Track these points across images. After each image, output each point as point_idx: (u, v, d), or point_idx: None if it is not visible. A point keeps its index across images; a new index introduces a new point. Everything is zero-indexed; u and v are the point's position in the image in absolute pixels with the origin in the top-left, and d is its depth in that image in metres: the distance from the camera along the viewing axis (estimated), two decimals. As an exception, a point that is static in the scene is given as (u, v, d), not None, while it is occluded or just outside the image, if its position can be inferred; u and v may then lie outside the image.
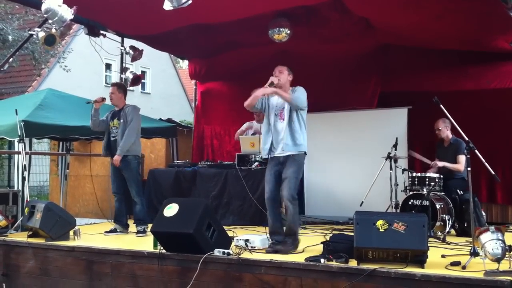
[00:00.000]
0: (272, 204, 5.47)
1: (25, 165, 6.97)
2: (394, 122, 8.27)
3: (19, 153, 7.22)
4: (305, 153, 5.47)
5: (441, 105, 5.24)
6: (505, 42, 6.61)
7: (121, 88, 7.15)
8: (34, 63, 15.80)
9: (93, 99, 6.96)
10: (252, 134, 8.54)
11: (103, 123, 6.99)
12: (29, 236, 5.99)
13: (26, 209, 6.24)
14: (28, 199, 6.81)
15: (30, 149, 8.07)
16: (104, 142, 7.04)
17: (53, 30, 6.66)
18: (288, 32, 7.52)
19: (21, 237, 6.08)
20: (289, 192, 5.26)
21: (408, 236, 4.38)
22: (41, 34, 6.86)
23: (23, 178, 7.07)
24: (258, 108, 5.60)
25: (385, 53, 8.52)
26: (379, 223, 4.45)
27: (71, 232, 6.05)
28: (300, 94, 5.46)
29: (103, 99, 6.95)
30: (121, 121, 6.81)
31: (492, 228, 4.26)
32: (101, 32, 8.21)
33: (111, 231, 6.81)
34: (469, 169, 4.90)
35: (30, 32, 7.22)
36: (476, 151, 4.95)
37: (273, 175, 5.44)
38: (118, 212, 6.99)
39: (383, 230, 4.43)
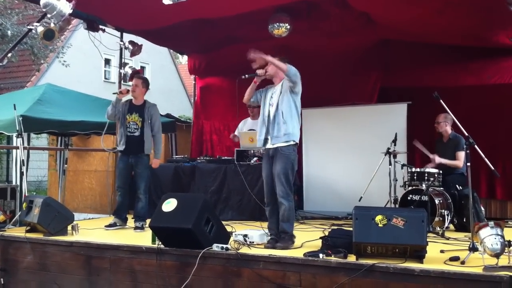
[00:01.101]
0: (272, 205, 5.34)
1: (23, 160, 6.95)
2: (394, 117, 8.26)
3: (17, 148, 7.20)
4: (295, 143, 5.25)
5: (441, 101, 5.21)
6: (506, 37, 6.59)
7: (145, 82, 7.02)
8: (33, 58, 15.75)
9: (118, 90, 6.85)
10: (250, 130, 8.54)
11: (119, 113, 6.82)
12: (27, 231, 5.98)
13: (24, 204, 6.22)
14: (26, 194, 6.79)
15: (29, 144, 8.06)
16: (121, 137, 6.83)
17: (52, 25, 6.62)
18: (288, 27, 7.50)
19: (19, 232, 6.06)
20: (281, 189, 5.16)
21: (407, 231, 4.36)
22: (40, 29, 6.81)
23: (21, 173, 7.05)
24: (255, 102, 5.52)
25: (385, 48, 8.49)
26: (378, 218, 4.44)
27: (69, 227, 6.03)
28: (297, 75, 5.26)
29: (128, 91, 6.82)
30: (145, 119, 6.76)
31: (491, 223, 4.24)
32: (100, 27, 8.17)
33: (110, 225, 6.78)
34: (468, 164, 4.88)
35: (28, 27, 7.19)
36: (476, 146, 4.94)
37: (268, 169, 5.31)
38: (120, 206, 6.94)
39: (382, 225, 4.42)
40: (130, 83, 7.19)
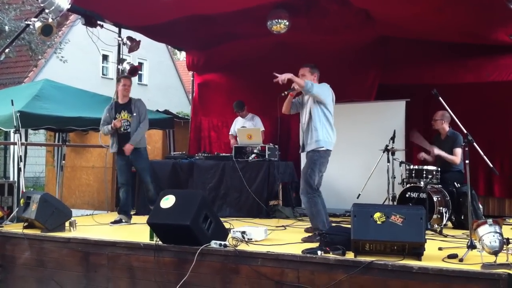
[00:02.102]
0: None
1: (20, 156, 6.93)
2: (392, 114, 8.24)
3: (15, 144, 7.19)
4: (325, 149, 5.73)
5: (440, 98, 5.21)
6: (504, 35, 6.59)
7: (131, 80, 7.28)
8: (30, 53, 15.71)
9: (112, 124, 6.97)
10: (241, 127, 8.57)
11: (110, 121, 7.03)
12: (25, 227, 5.96)
13: (22, 200, 6.20)
14: (24, 190, 6.78)
15: (26, 140, 8.04)
16: (112, 139, 7.04)
17: (50, 20, 6.60)
18: (287, 23, 7.48)
19: (16, 228, 6.05)
20: (303, 185, 5.73)
21: (406, 229, 4.35)
22: (38, 24, 6.79)
23: (19, 169, 7.03)
24: (295, 111, 6.03)
25: (384, 45, 8.48)
26: (377, 215, 4.43)
27: (67, 224, 6.01)
28: (318, 86, 5.71)
29: (120, 122, 6.96)
30: (134, 114, 6.97)
31: (490, 221, 4.23)
32: (98, 22, 8.14)
33: (115, 222, 6.85)
34: (467, 161, 4.87)
35: (26, 22, 7.15)
36: (475, 144, 4.93)
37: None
38: (125, 203, 7.04)
39: (380, 223, 4.41)
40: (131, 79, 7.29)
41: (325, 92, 5.76)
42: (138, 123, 6.99)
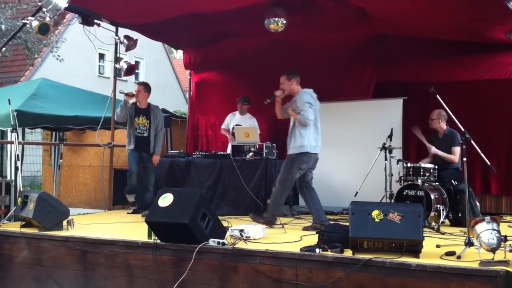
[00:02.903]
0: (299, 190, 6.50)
1: (18, 155, 6.91)
2: (389, 112, 8.26)
3: (12, 142, 7.16)
4: (307, 153, 6.18)
5: (437, 96, 5.22)
6: (501, 33, 6.58)
7: (147, 88, 7.67)
8: (27, 52, 15.66)
9: (125, 92, 7.43)
10: (236, 125, 8.55)
11: (127, 115, 7.45)
12: (22, 226, 5.94)
13: (19, 199, 6.18)
14: (21, 189, 6.77)
15: (23, 139, 8.02)
16: (130, 137, 7.47)
17: (47, 19, 6.58)
18: (284, 21, 7.47)
19: (14, 227, 6.03)
20: (280, 176, 6.27)
21: (404, 226, 4.36)
22: (35, 23, 6.76)
23: (16, 168, 7.02)
24: (287, 115, 6.46)
25: (381, 42, 8.48)
26: (375, 213, 4.43)
27: (64, 222, 5.98)
28: (300, 109, 6.10)
29: (134, 94, 7.43)
30: (151, 121, 7.50)
31: (487, 218, 4.25)
32: (95, 21, 8.12)
33: (132, 204, 7.59)
34: (465, 159, 4.88)
35: (23, 21, 7.13)
36: (472, 141, 4.94)
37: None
38: (135, 187, 7.56)
39: (378, 220, 4.42)
40: (125, 78, 7.41)
41: (308, 109, 6.12)
42: (155, 130, 7.53)
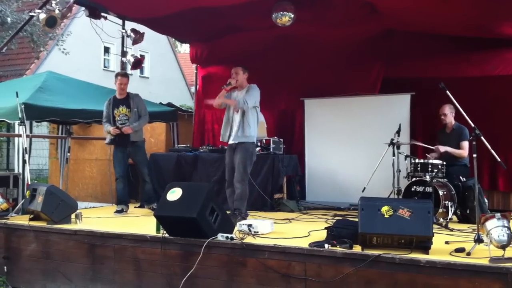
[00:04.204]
0: (230, 184, 6.43)
1: (26, 148, 6.92)
2: (397, 108, 8.24)
3: (20, 136, 7.16)
4: (253, 143, 6.43)
5: (447, 91, 5.19)
6: (510, 28, 6.55)
7: (128, 77, 7.50)
8: (32, 45, 15.65)
9: (111, 133, 7.23)
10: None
11: (108, 116, 7.31)
12: (31, 219, 5.96)
13: (28, 192, 6.19)
14: (29, 182, 6.78)
15: (31, 132, 8.02)
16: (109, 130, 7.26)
17: (57, 11, 6.58)
18: (292, 16, 7.44)
19: (22, 220, 6.05)
20: (238, 175, 6.28)
21: (413, 222, 4.35)
22: (42, 16, 6.77)
23: (24, 161, 7.03)
24: (224, 105, 6.60)
25: (389, 38, 8.43)
26: (384, 209, 4.42)
27: (73, 216, 6.01)
28: (248, 96, 6.34)
29: (117, 129, 7.20)
30: (134, 110, 7.26)
31: (498, 215, 4.24)
32: (102, 14, 8.11)
33: (119, 212, 7.10)
34: (474, 155, 4.86)
35: (31, 14, 7.14)
36: (482, 137, 4.92)
37: (229, 161, 6.48)
38: (123, 193, 7.30)
39: (388, 216, 4.41)
40: (130, 72, 7.39)
41: (256, 98, 6.46)
42: (137, 118, 7.27)
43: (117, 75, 7.47)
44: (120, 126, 7.16)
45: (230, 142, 6.48)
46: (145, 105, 7.46)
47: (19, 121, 6.91)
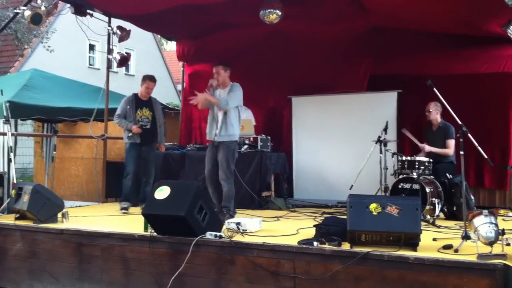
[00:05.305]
0: (211, 180, 6.48)
1: (11, 147, 6.84)
2: (384, 105, 8.28)
3: (4, 134, 7.08)
4: (235, 141, 6.49)
5: (434, 89, 5.21)
6: (497, 26, 6.57)
7: (155, 82, 7.61)
8: (17, 43, 15.46)
9: (132, 131, 7.27)
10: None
11: (128, 113, 7.35)
12: (17, 219, 5.88)
13: (13, 191, 6.13)
14: (15, 181, 6.70)
15: (16, 130, 7.94)
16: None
17: (43, 8, 6.51)
18: (279, 13, 7.41)
19: (8, 219, 5.97)
20: (223, 173, 6.33)
21: (402, 220, 4.37)
22: (27, 13, 6.70)
23: (9, 160, 6.95)
24: (209, 105, 6.57)
25: (376, 35, 8.42)
26: (373, 206, 4.44)
27: (59, 215, 5.96)
28: (231, 97, 6.36)
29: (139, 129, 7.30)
30: (154, 112, 7.49)
31: (485, 211, 4.26)
32: (88, 11, 8.03)
33: (124, 209, 7.13)
34: (462, 153, 4.89)
35: (16, 11, 7.05)
36: (469, 135, 4.96)
37: (211, 157, 6.49)
38: (130, 191, 7.34)
39: (376, 213, 4.42)
40: (116, 70, 7.30)
41: (240, 98, 6.49)
42: (159, 121, 7.53)
43: (145, 78, 7.61)
44: (139, 126, 7.28)
45: (213, 139, 6.50)
46: (162, 111, 7.70)
47: (4, 119, 6.83)
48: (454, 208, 6.52)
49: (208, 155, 6.55)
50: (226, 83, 6.53)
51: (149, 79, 7.53)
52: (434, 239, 4.91)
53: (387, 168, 7.16)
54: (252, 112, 8.69)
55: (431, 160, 6.79)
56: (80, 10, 7.89)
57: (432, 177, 6.70)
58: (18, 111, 7.34)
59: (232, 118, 6.43)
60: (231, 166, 6.39)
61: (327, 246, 4.51)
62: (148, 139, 7.41)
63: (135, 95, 7.50)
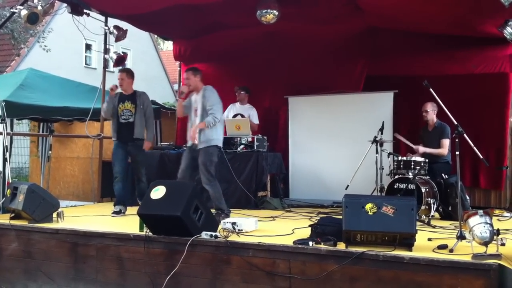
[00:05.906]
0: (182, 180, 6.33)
1: (6, 146, 6.83)
2: (380, 106, 8.29)
3: (0, 133, 7.07)
4: (217, 146, 6.37)
5: (430, 89, 5.23)
6: (493, 27, 6.59)
7: (129, 73, 7.28)
8: (13, 42, 15.42)
9: (108, 88, 7.08)
10: (233, 116, 8.50)
11: (113, 109, 7.10)
12: (12, 218, 5.88)
13: (8, 191, 6.12)
14: (10, 181, 6.69)
15: (11, 129, 7.92)
16: (114, 125, 7.16)
17: (39, 8, 6.51)
18: (276, 13, 7.41)
19: (3, 219, 5.96)
20: (204, 177, 6.24)
21: (397, 220, 4.38)
22: (24, 12, 6.69)
23: (5, 159, 6.93)
24: (187, 112, 6.57)
25: (372, 36, 8.43)
26: (368, 206, 4.45)
27: (54, 214, 5.95)
28: (212, 109, 6.23)
29: (117, 86, 7.10)
30: (139, 106, 7.09)
31: (480, 212, 4.27)
32: (85, 11, 8.03)
33: (117, 213, 6.85)
34: (457, 153, 4.91)
35: (12, 10, 7.04)
36: (465, 135, 4.97)
37: (186, 156, 6.44)
38: (122, 193, 7.09)
39: (372, 213, 4.43)
40: (112, 69, 7.27)
41: (218, 101, 6.40)
42: (143, 116, 7.11)
43: (119, 70, 7.41)
44: (124, 121, 7.08)
45: (190, 144, 6.44)
46: (151, 105, 7.34)
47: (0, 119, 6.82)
48: (449, 208, 6.54)
49: (185, 154, 6.53)
50: (198, 88, 6.45)
51: (119, 71, 7.33)
52: (429, 239, 4.92)
53: (383, 168, 7.17)
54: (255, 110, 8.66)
55: (427, 160, 6.80)
56: (76, 10, 7.89)
57: (427, 177, 6.71)
58: (14, 110, 7.32)
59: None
60: (210, 169, 6.27)
61: (322, 246, 4.52)
62: (129, 134, 7.06)
63: (121, 92, 7.28)
